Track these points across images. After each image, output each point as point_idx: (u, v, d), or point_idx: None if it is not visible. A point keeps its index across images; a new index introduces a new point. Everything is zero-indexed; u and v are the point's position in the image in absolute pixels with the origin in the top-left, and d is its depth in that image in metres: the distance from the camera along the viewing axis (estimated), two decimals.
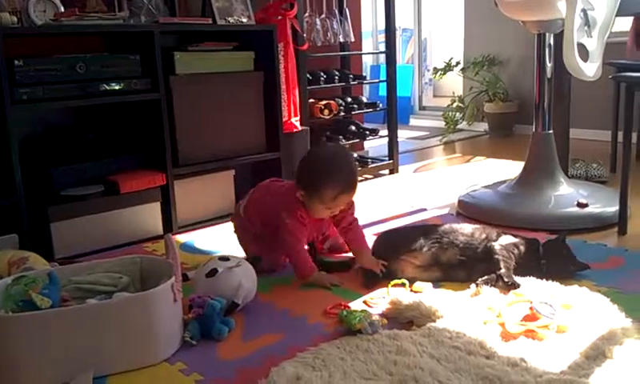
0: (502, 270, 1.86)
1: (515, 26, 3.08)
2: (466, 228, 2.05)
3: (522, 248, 1.97)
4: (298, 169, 2.10)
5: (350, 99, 3.69)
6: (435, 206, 2.98)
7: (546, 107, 2.76)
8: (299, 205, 2.07)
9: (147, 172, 2.63)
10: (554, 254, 1.96)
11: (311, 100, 3.44)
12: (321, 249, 2.30)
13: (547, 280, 1.87)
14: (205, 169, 2.78)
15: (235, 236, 2.28)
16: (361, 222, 2.74)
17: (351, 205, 2.15)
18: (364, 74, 4.19)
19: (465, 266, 1.94)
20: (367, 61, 6.42)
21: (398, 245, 2.02)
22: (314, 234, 2.21)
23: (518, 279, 1.85)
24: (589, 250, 2.18)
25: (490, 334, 1.55)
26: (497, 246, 1.94)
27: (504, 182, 2.94)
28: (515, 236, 2.03)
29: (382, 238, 2.16)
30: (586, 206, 2.53)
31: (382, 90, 4.33)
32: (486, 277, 1.86)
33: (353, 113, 3.69)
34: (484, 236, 2.00)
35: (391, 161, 3.83)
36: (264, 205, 2.18)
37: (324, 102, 3.47)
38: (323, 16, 3.57)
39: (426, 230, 2.07)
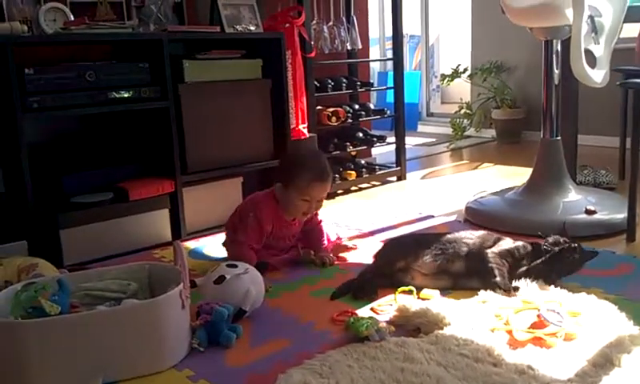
0: (498, 278, 1.86)
1: (523, 33, 3.08)
2: (471, 236, 2.04)
3: (522, 252, 1.97)
4: (278, 166, 2.21)
5: (357, 106, 3.70)
6: (443, 212, 2.98)
7: (553, 114, 2.76)
8: (272, 203, 2.17)
9: (156, 179, 2.65)
10: (557, 247, 1.95)
11: (319, 107, 3.45)
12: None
13: (555, 286, 1.87)
14: (213, 176, 2.79)
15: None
16: (369, 229, 2.71)
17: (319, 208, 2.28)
18: (371, 81, 4.20)
19: (474, 275, 1.94)
20: (375, 67, 6.42)
21: (404, 253, 2.01)
22: (286, 241, 2.27)
23: (524, 284, 1.85)
24: (597, 256, 2.17)
25: (497, 341, 1.55)
26: (489, 253, 1.94)
27: (512, 188, 2.93)
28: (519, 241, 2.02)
29: (389, 246, 2.15)
30: (594, 212, 2.52)
31: (390, 97, 4.32)
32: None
33: (360, 119, 3.69)
34: (479, 242, 1.99)
35: (399, 167, 3.83)
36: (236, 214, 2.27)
37: (331, 109, 3.48)
38: (331, 23, 3.59)
39: (430, 239, 2.06)
